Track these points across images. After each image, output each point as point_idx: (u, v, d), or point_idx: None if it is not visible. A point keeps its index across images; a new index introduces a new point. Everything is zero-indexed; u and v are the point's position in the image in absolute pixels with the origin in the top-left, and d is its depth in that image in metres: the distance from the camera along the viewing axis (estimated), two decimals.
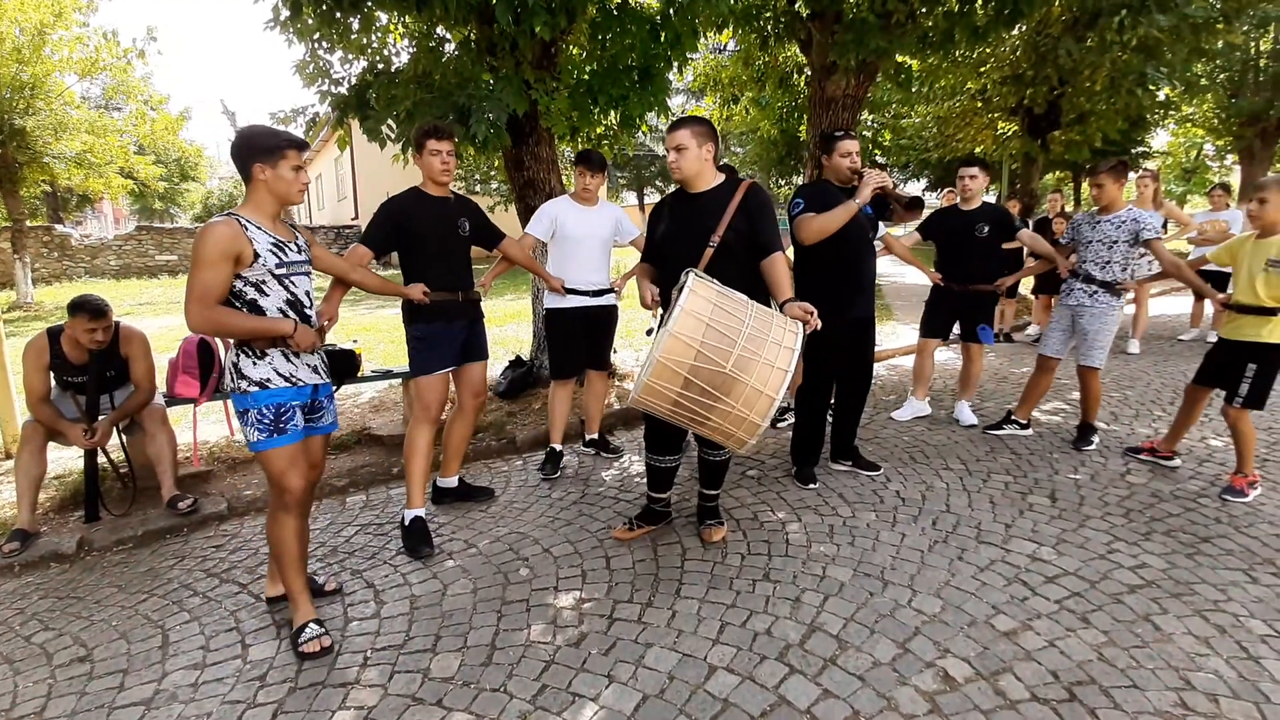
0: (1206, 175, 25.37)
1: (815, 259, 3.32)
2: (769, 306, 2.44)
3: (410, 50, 4.61)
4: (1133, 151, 15.91)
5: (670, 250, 2.70)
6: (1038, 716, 1.85)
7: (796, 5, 5.83)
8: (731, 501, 3.29)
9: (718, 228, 2.56)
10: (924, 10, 5.20)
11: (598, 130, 5.15)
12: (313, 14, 3.91)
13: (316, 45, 4.21)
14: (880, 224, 3.56)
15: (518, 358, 5.28)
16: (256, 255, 2.11)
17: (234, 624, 2.46)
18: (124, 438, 3.43)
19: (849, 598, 2.44)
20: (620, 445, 4.15)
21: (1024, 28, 8.60)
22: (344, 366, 3.94)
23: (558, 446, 3.80)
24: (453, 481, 3.40)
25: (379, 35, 4.40)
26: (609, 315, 3.83)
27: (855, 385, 3.56)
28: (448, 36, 4.59)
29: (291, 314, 2.23)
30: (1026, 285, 7.67)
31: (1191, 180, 26.25)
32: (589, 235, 3.65)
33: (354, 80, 4.29)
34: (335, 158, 22.16)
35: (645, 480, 2.98)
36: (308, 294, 2.32)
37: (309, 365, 2.31)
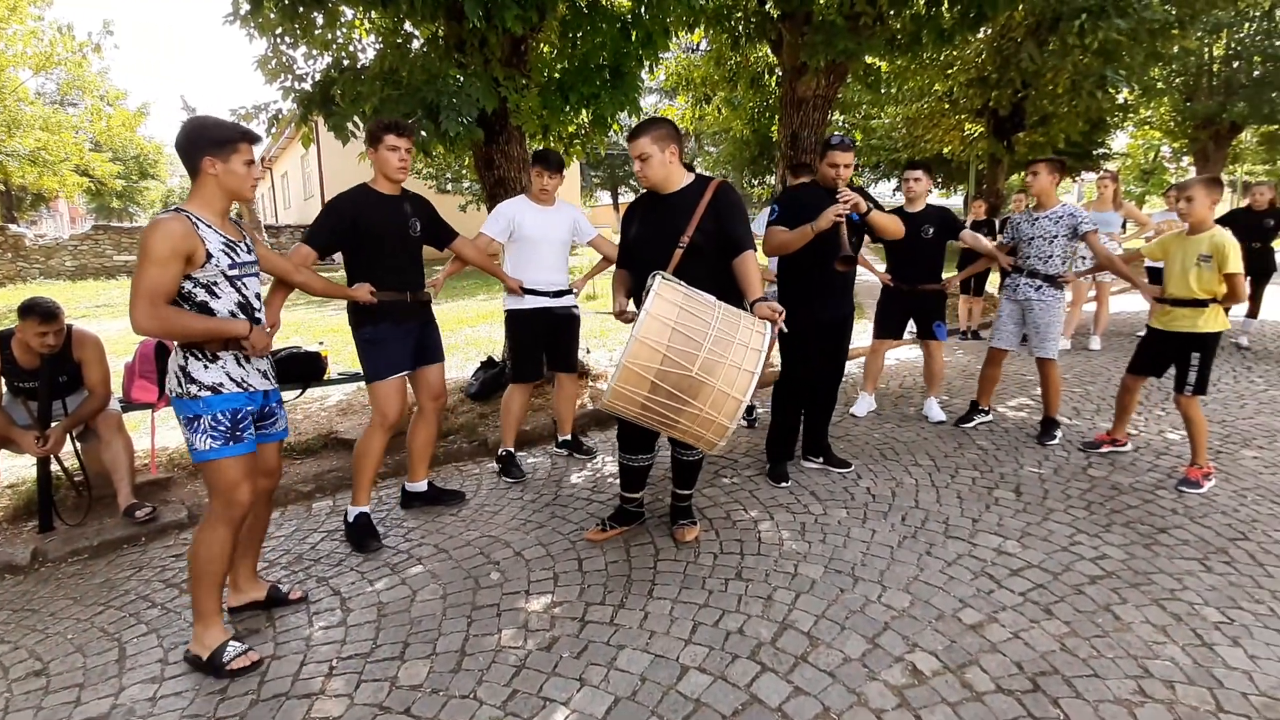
0: (1164, 176, 26.18)
1: (793, 261, 3.36)
2: (741, 306, 2.44)
3: (376, 46, 4.53)
4: (1094, 153, 16.36)
5: (641, 252, 2.70)
6: (1003, 707, 1.88)
7: (767, 6, 5.87)
8: (704, 500, 3.30)
9: (687, 228, 2.56)
10: (892, 13, 5.28)
11: (569, 129, 5.13)
12: (274, 8, 3.82)
13: (279, 40, 4.11)
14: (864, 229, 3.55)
15: (489, 359, 5.22)
16: (209, 255, 2.01)
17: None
18: (78, 445, 3.32)
19: (820, 595, 2.46)
20: (593, 446, 4.13)
21: (989, 31, 8.78)
22: (310, 369, 3.86)
23: (510, 449, 3.75)
24: (422, 485, 3.35)
25: (344, 31, 4.32)
26: (571, 316, 3.79)
27: (826, 383, 3.59)
28: (415, 33, 4.52)
29: (243, 317, 2.14)
30: (994, 283, 7.83)
31: (1150, 181, 27.07)
32: (546, 236, 3.61)
33: (318, 76, 4.20)
34: (301, 155, 21.70)
35: (618, 481, 2.97)
36: (258, 296, 2.23)
37: (259, 370, 2.23)
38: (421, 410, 3.20)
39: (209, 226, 2.05)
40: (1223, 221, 6.62)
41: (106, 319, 9.85)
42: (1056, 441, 3.98)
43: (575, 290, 3.82)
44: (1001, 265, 4.15)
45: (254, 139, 2.12)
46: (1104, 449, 3.79)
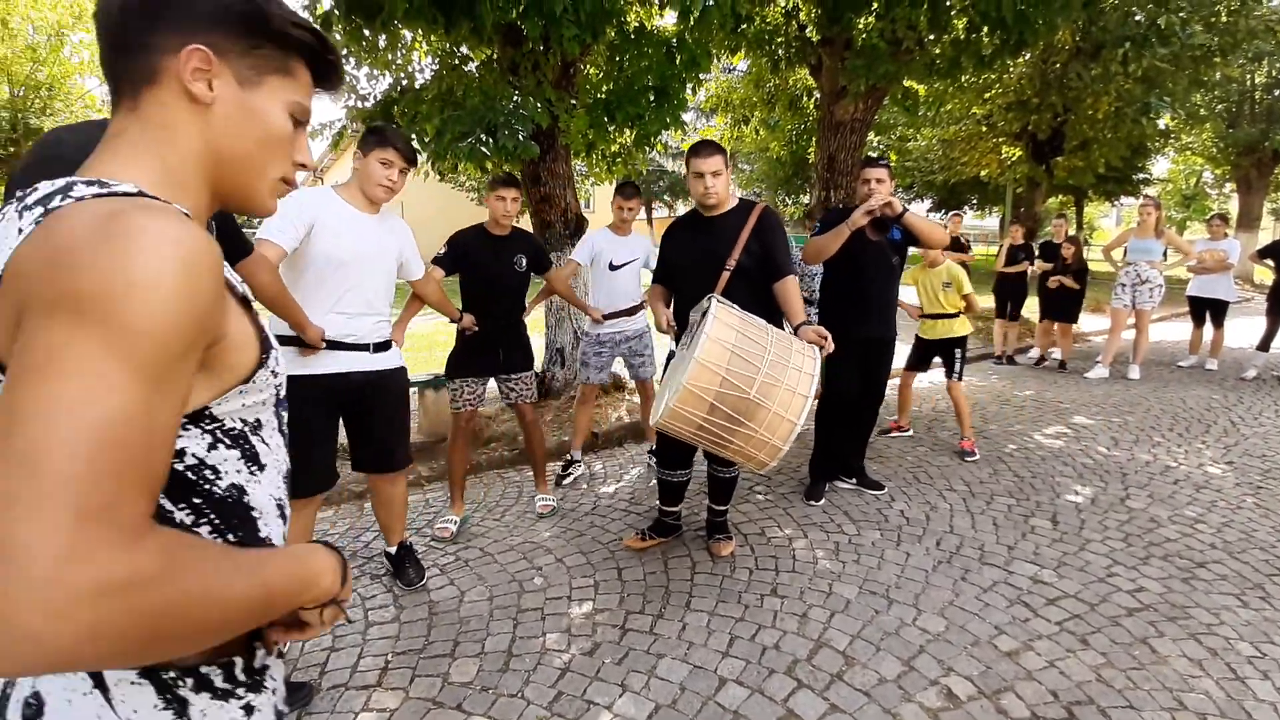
0: (1206, 203, 25.62)
1: (832, 280, 3.49)
2: (781, 328, 2.53)
3: (433, 68, 4.73)
4: (1134, 178, 16.13)
5: (686, 273, 2.80)
6: None
7: (808, 31, 5.98)
8: (739, 516, 3.36)
9: (733, 251, 2.65)
10: (932, 38, 5.34)
11: (613, 148, 5.28)
12: (342, 30, 4.03)
13: (344, 61, 4.33)
14: (907, 247, 3.57)
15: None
16: (265, 346, 0.73)
17: None
18: None
19: (855, 614, 2.51)
20: (417, 573, 2.77)
21: (1030, 56, 8.77)
22: None
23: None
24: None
25: (403, 52, 4.52)
26: (384, 385, 2.43)
27: (865, 404, 3.62)
28: (470, 55, 4.72)
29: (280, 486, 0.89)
30: (1029, 309, 7.75)
31: (1191, 207, 26.50)
32: (360, 257, 2.31)
33: (380, 96, 4.40)
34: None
35: (656, 493, 3.06)
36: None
37: None
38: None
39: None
40: (1264, 253, 6.53)
41: None
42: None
43: (397, 343, 2.55)
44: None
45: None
46: (892, 433, 4.64)
